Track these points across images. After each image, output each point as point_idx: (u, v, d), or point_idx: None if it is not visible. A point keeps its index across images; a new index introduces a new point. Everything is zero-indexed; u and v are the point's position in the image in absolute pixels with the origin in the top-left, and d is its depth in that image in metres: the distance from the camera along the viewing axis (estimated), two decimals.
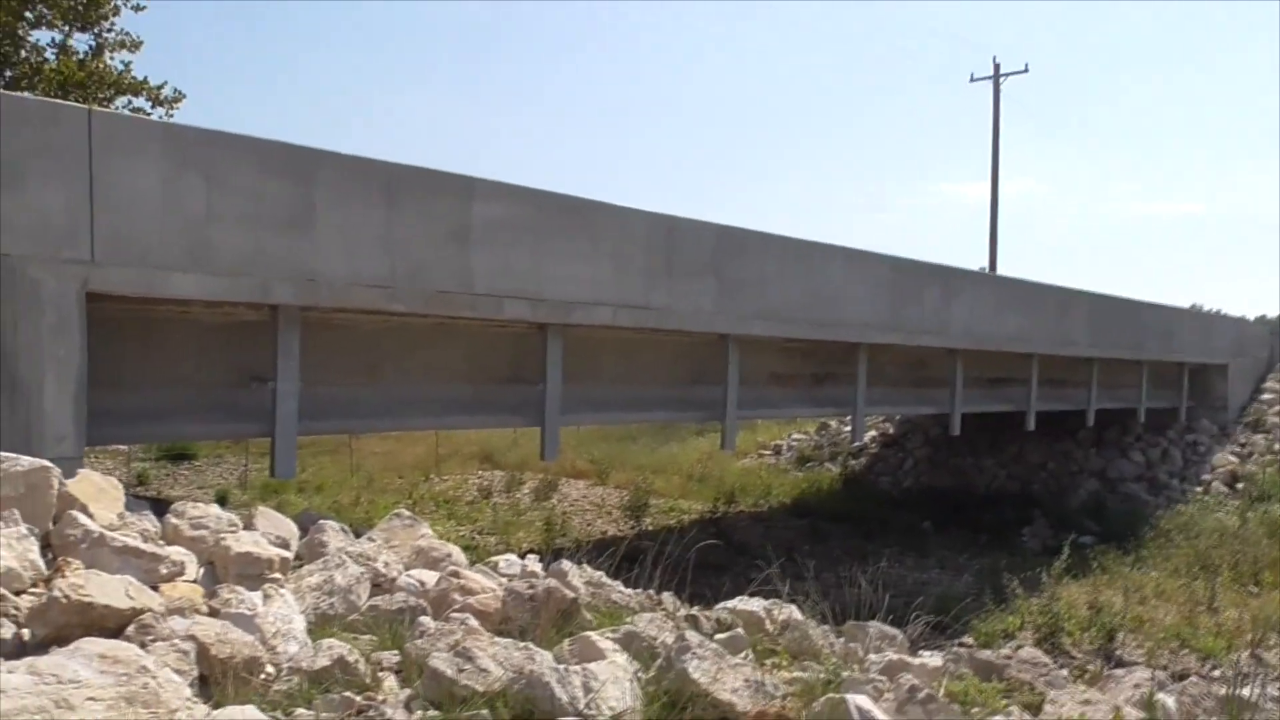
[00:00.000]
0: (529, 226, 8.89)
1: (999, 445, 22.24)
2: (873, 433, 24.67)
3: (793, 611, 5.49)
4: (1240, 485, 19.94)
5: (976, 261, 34.47)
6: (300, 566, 5.05)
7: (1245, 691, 4.83)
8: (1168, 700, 4.86)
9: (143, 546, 4.48)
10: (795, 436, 26.87)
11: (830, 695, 3.77)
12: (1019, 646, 7.10)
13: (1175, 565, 14.78)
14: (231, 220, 6.85)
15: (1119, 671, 6.45)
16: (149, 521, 5.00)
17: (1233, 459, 21.37)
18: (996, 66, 32.87)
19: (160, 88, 18.65)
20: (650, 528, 17.97)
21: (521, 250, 8.82)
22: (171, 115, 18.50)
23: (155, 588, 4.27)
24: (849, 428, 21.95)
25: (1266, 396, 24.45)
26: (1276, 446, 21.62)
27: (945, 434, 17.42)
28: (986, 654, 5.34)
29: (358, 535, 5.84)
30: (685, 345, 11.62)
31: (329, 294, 7.43)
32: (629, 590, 5.78)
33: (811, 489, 22.36)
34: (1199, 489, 20.23)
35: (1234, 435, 22.68)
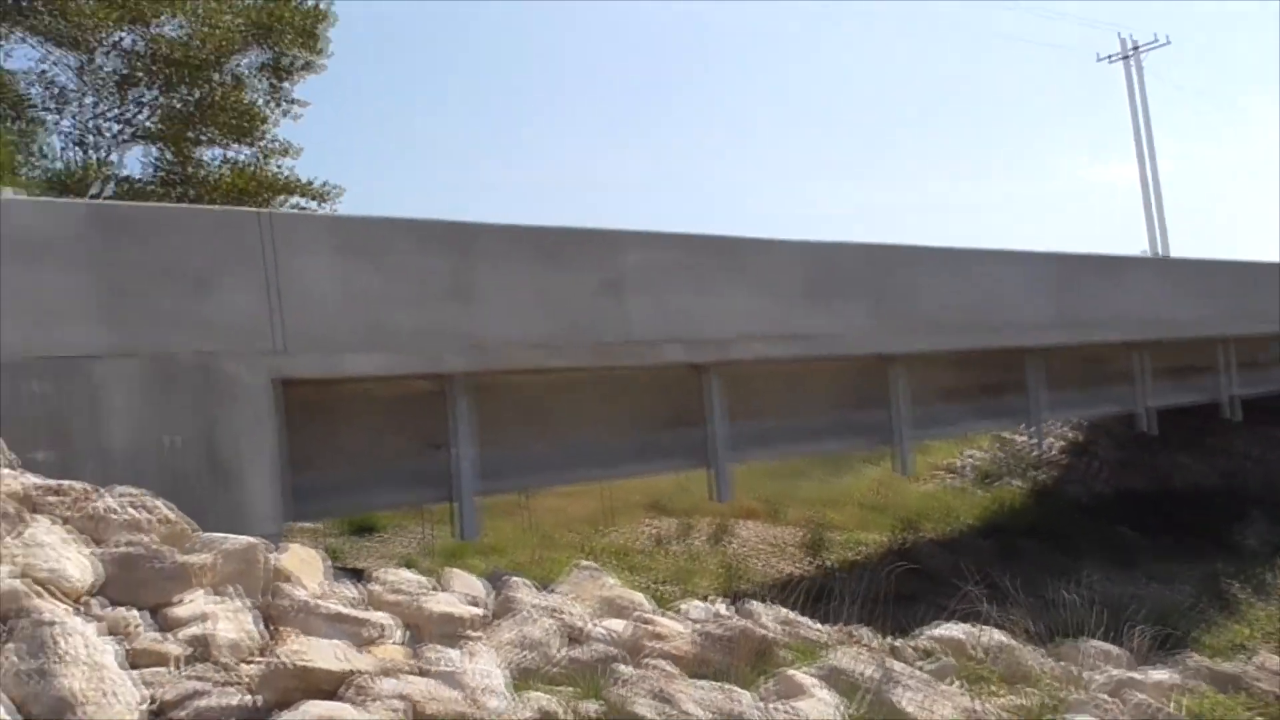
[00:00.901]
0: (678, 269, 9.00)
1: (1196, 438, 20.77)
2: (1055, 441, 23.52)
3: (998, 635, 5.24)
4: None
5: (1135, 246, 32.65)
6: (494, 623, 5.17)
7: None
8: None
9: (349, 612, 4.69)
10: (972, 454, 25.86)
11: (1053, 718, 3.57)
12: (1253, 657, 6.54)
13: None
14: (400, 298, 7.22)
15: None
16: (351, 589, 5.24)
17: None
18: (1124, 43, 31.30)
19: (321, 184, 19.94)
20: (832, 563, 17.58)
21: (673, 293, 8.93)
22: (336, 209, 19.76)
23: (363, 651, 4.46)
24: (1029, 439, 21.02)
25: None
26: None
27: (1133, 433, 16.43)
28: (1225, 666, 4.93)
29: (544, 590, 5.94)
30: (846, 370, 11.41)
31: (495, 358, 7.70)
32: (821, 626, 5.65)
33: (998, 507, 21.42)
34: None
35: None
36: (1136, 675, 4.50)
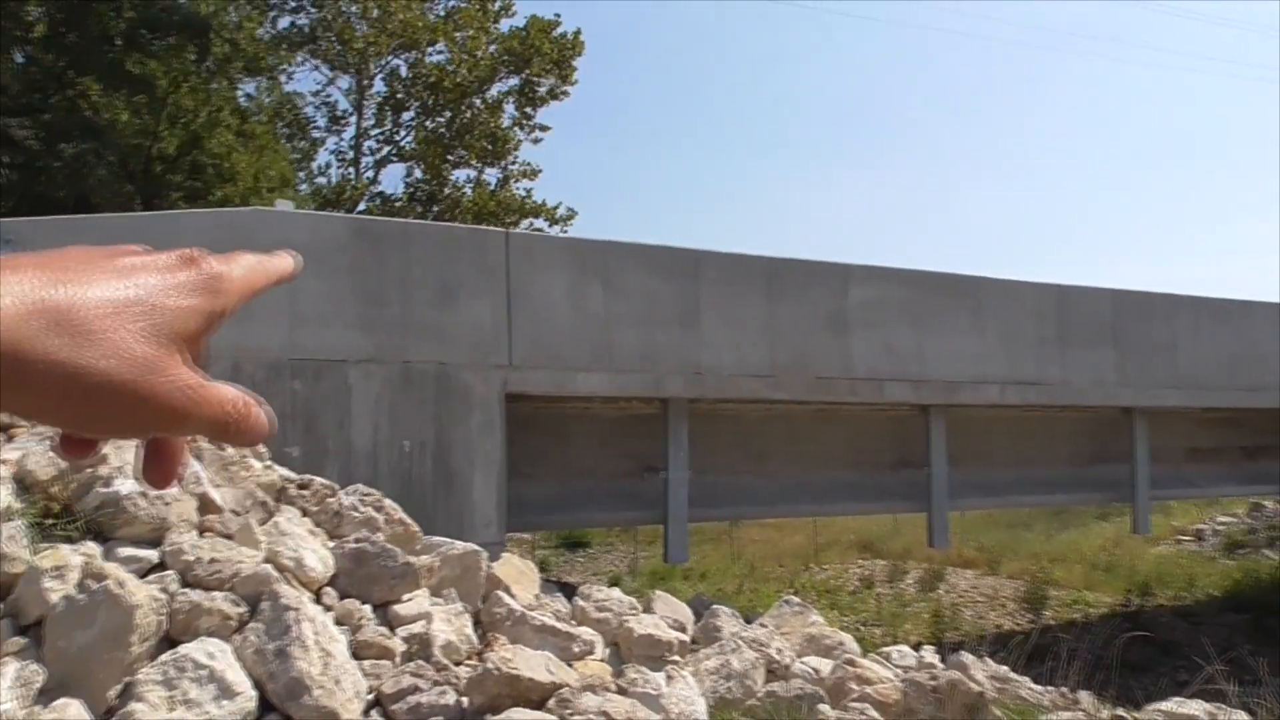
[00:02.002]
0: (907, 307, 8.78)
1: None
2: None
3: (1243, 717, 4.76)
4: None
5: None
6: (697, 650, 5.20)
7: None
8: None
9: (558, 625, 4.85)
10: (1221, 519, 23.64)
11: None
12: None
13: None
14: (627, 320, 7.43)
15: None
16: (561, 603, 5.41)
17: None
18: None
19: (556, 208, 20.86)
20: (1052, 621, 16.50)
21: (901, 331, 8.71)
22: (567, 231, 20.60)
23: (569, 664, 4.59)
24: None
25: None
26: None
27: None
28: None
29: (748, 621, 5.92)
30: (1083, 421, 10.73)
31: (715, 385, 7.77)
32: (1038, 687, 5.33)
33: (1247, 579, 19.43)
34: None
35: None
36: None
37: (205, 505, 4.36)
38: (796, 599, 6.48)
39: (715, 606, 5.88)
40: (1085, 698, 5.24)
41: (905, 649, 5.91)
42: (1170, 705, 4.89)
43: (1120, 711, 4.83)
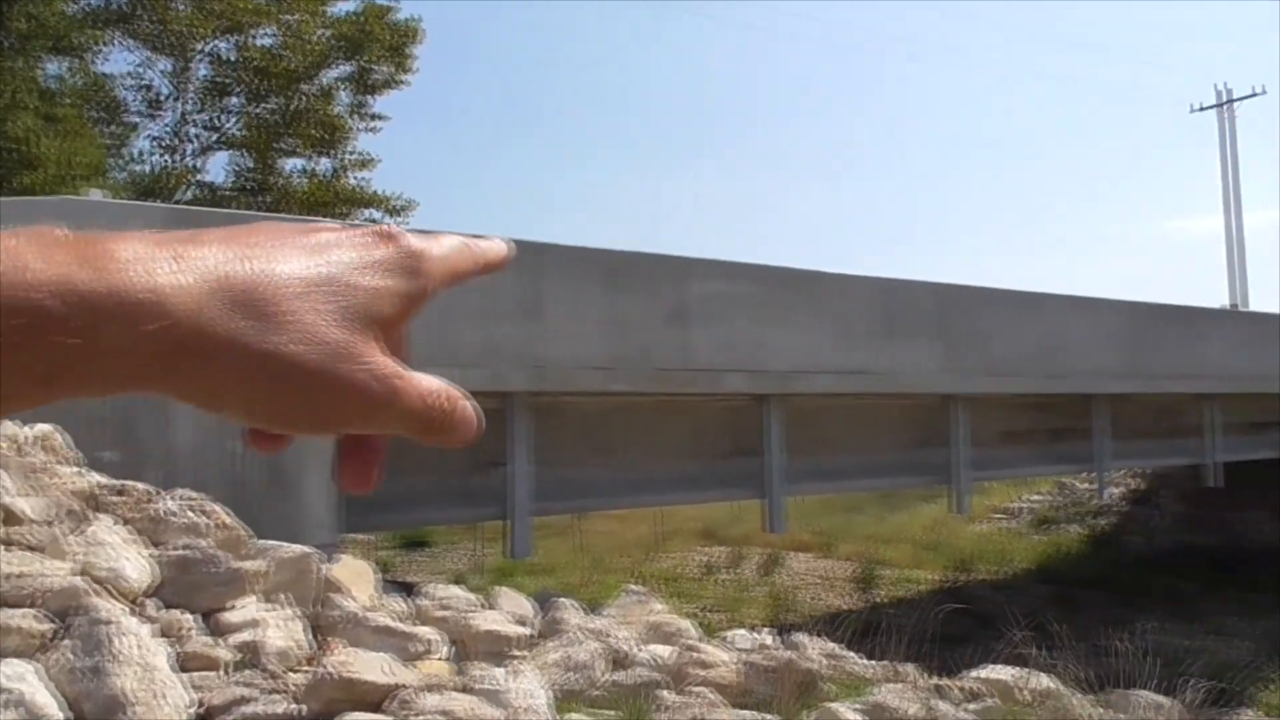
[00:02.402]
0: (747, 301, 9.02)
1: (1268, 494, 20.09)
2: (1118, 489, 22.93)
3: (1046, 680, 5.13)
4: None
5: (1214, 299, 31.80)
6: (540, 643, 5.21)
7: None
8: None
9: (397, 626, 4.76)
10: (1031, 497, 25.34)
11: None
12: None
13: None
14: (468, 314, 7.33)
15: None
16: (401, 603, 5.32)
17: None
18: (1219, 94, 30.66)
19: (394, 198, 20.34)
20: (882, 600, 17.33)
21: (741, 324, 8.95)
22: (407, 223, 20.13)
23: (409, 665, 4.52)
24: (1090, 485, 20.52)
25: None
26: None
27: (1202, 486, 15.96)
28: None
29: (591, 612, 5.97)
30: (910, 408, 11.30)
31: (557, 378, 7.77)
32: (868, 661, 5.59)
33: (1054, 553, 20.95)
34: None
35: None
36: None
37: (9, 517, 4.06)
38: (639, 588, 6.58)
39: (559, 600, 5.90)
40: (910, 669, 5.52)
41: (744, 632, 6.09)
42: (984, 672, 5.22)
43: (939, 680, 5.12)
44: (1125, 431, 13.85)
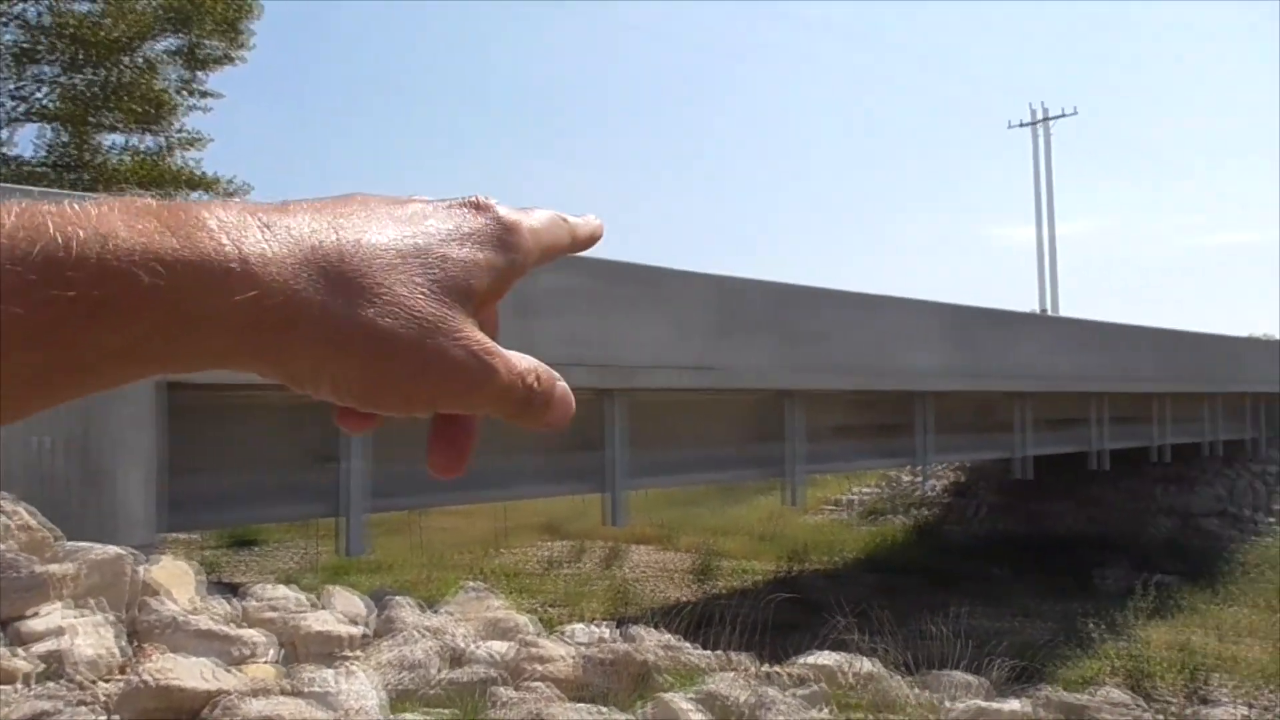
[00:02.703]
0: (592, 295, 9.04)
1: (1071, 487, 21.68)
2: (940, 481, 24.25)
3: (869, 664, 5.38)
4: None
5: (1030, 304, 34.13)
6: (375, 643, 5.10)
7: None
8: None
9: (220, 629, 4.57)
10: (862, 490, 26.49)
11: None
12: (1100, 690, 6.86)
13: (1266, 600, 14.22)
14: None
15: (1211, 711, 6.19)
16: (225, 605, 5.10)
17: None
18: (1034, 112, 32.83)
19: (227, 181, 19.37)
20: (720, 590, 17.75)
21: (584, 319, 8.96)
22: None
23: (233, 669, 4.34)
24: (916, 478, 21.64)
25: None
26: None
27: (1013, 479, 17.08)
28: (1071, 697, 5.17)
29: (428, 610, 5.89)
30: (748, 403, 11.60)
31: None
32: (703, 651, 5.72)
33: (882, 543, 21.97)
34: (1273, 520, 19.58)
35: None
36: (993, 705, 4.68)
37: None
38: (478, 584, 6.53)
39: (394, 598, 5.79)
40: (743, 658, 5.69)
41: (584, 626, 6.12)
42: (811, 658, 5.43)
43: (770, 668, 5.29)
44: (946, 427, 14.65)
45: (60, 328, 0.35)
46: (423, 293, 0.41)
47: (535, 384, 0.46)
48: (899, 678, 5.31)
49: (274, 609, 5.10)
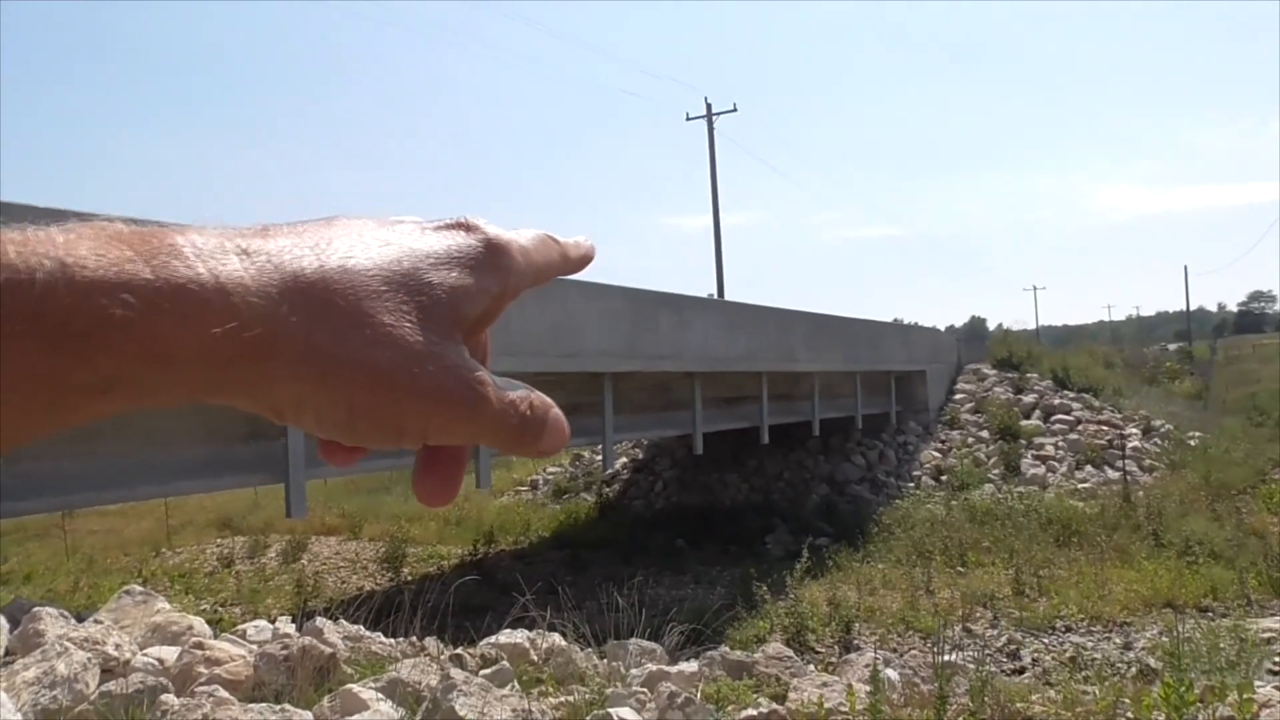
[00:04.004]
0: None
1: (740, 460, 23.43)
2: (624, 459, 25.32)
3: (556, 639, 5.58)
4: (944, 477, 22.11)
5: (704, 289, 36.32)
6: (13, 662, 4.60)
7: (952, 658, 5.40)
8: (891, 673, 5.37)
9: None
10: (550, 470, 27.09)
11: (595, 712, 3.90)
12: (764, 646, 7.55)
13: (897, 556, 16.14)
14: None
15: (853, 656, 7.00)
16: None
17: (936, 454, 23.69)
18: (709, 106, 34.89)
19: None
20: (410, 577, 17.51)
21: None
22: None
23: None
24: (601, 456, 22.45)
25: (958, 397, 27.33)
26: (970, 440, 24.19)
27: (690, 454, 18.18)
28: (738, 655, 5.66)
29: (80, 620, 5.38)
30: None
31: None
32: (390, 640, 5.67)
33: (569, 520, 22.61)
34: (911, 484, 22.22)
35: (935, 433, 25.14)
36: (669, 668, 5.03)
37: None
38: (140, 588, 6.04)
39: (36, 609, 5.24)
40: (430, 643, 5.70)
41: (263, 623, 5.86)
42: (500, 638, 5.55)
43: (458, 650, 5.35)
44: (628, 406, 15.34)
45: (25, 364, 0.33)
46: (410, 320, 0.39)
47: (528, 412, 0.44)
48: (584, 650, 5.55)
49: None
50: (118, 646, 4.82)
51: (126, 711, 4.01)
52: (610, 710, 3.84)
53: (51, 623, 5.06)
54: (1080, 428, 24.07)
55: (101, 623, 5.33)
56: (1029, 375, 28.01)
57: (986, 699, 4.55)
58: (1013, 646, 11.02)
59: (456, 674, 4.15)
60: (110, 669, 4.63)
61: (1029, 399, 26.15)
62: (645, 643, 5.72)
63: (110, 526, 24.02)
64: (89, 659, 4.52)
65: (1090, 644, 11.03)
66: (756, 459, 23.18)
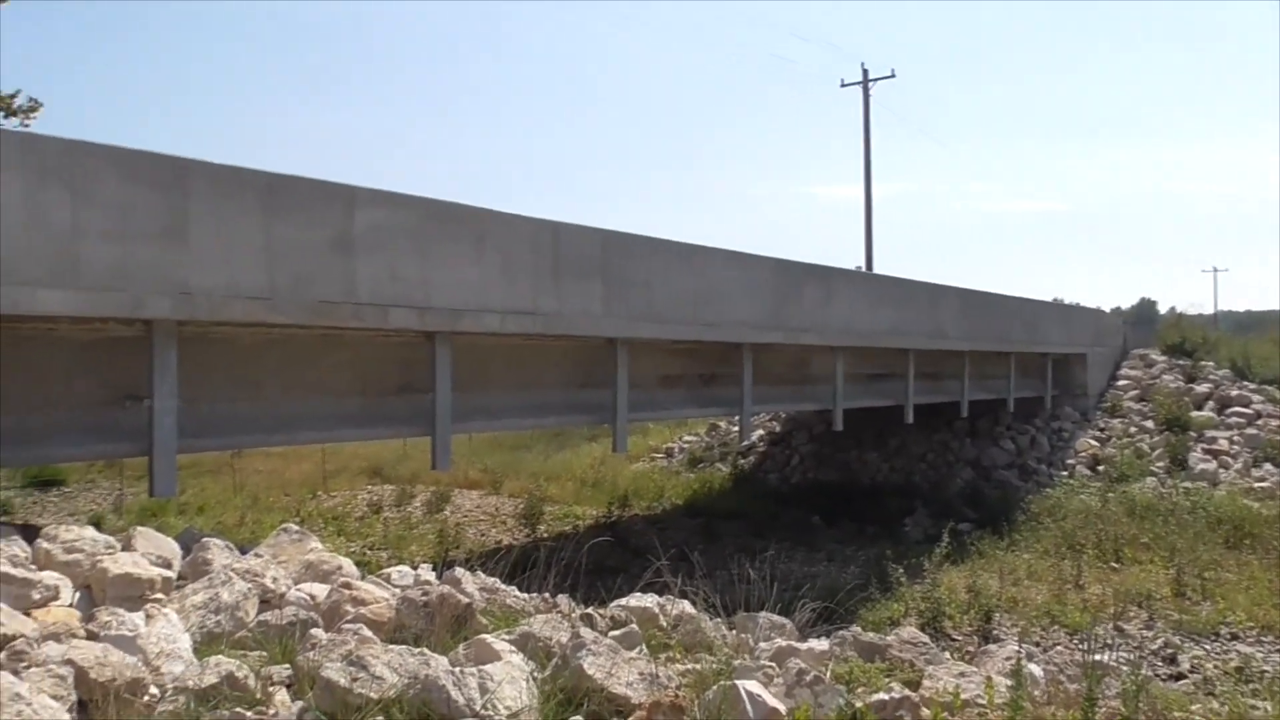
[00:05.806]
0: (414, 234, 8.84)
1: (881, 438, 22.94)
2: (760, 431, 25.16)
3: (685, 606, 5.61)
4: (1101, 468, 21.04)
5: (853, 261, 35.48)
6: (184, 586, 4.93)
7: (1103, 658, 5.15)
8: (1035, 669, 5.16)
9: (12, 572, 4.33)
10: (686, 438, 27.19)
11: (722, 683, 3.89)
12: (898, 630, 7.39)
13: (1045, 546, 15.50)
14: (98, 233, 6.62)
15: (992, 647, 6.77)
16: (18, 547, 4.82)
17: (1094, 443, 22.54)
18: (865, 72, 33.92)
19: (13, 96, 17.74)
20: (545, 535, 17.95)
21: (407, 258, 8.75)
22: (28, 125, 17.61)
23: (28, 613, 4.12)
24: (737, 428, 22.36)
25: (1121, 383, 25.91)
26: (1132, 430, 22.91)
27: (829, 430, 17.89)
28: (870, 636, 5.55)
29: (244, 552, 5.72)
30: (574, 349, 11.68)
31: (206, 307, 7.24)
32: (524, 594, 5.81)
33: (703, 489, 22.67)
34: (1064, 473, 21.24)
35: (1094, 420, 23.93)
36: (799, 645, 4.99)
37: None
38: (296, 527, 6.38)
39: (206, 539, 5.60)
40: (563, 600, 5.81)
41: (406, 569, 6.10)
42: (630, 600, 5.61)
43: (589, 610, 5.44)
44: (766, 378, 15.19)
45: None
46: None
47: None
48: (713, 619, 5.56)
49: (73, 551, 4.86)
50: (275, 580, 5.10)
51: (280, 641, 4.25)
52: (737, 682, 3.83)
53: (218, 553, 5.40)
54: (1260, 422, 22.44)
55: (261, 556, 5.66)
56: (1204, 363, 26.31)
57: (1141, 704, 4.32)
58: (1170, 651, 10.46)
59: (586, 633, 4.22)
60: (267, 600, 4.92)
61: (1202, 389, 24.56)
62: (775, 617, 5.68)
63: (274, 468, 25.52)
64: (249, 589, 4.81)
65: (1261, 654, 10.37)
66: (899, 438, 22.66)
